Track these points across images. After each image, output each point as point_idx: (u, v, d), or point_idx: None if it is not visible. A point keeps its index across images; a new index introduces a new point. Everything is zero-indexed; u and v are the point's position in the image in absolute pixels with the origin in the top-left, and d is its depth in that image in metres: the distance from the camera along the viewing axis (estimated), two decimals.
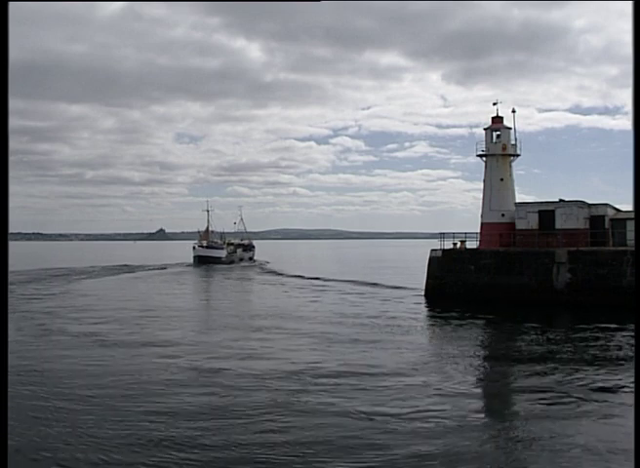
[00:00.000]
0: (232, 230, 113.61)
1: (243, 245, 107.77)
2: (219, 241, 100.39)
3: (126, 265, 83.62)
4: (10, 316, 30.71)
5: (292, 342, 24.13)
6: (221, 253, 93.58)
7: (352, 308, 35.25)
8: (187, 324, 29.63)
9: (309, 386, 16.55)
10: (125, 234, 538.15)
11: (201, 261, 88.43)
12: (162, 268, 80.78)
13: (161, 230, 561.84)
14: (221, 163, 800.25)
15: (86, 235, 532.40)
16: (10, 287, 49.62)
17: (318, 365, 19.33)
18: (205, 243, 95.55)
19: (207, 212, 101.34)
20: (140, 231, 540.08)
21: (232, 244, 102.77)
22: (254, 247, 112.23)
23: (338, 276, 62.03)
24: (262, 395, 15.66)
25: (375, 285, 51.13)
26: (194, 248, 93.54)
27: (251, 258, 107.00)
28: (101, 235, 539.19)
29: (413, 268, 66.75)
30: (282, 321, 30.30)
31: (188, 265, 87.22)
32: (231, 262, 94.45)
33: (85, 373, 18.26)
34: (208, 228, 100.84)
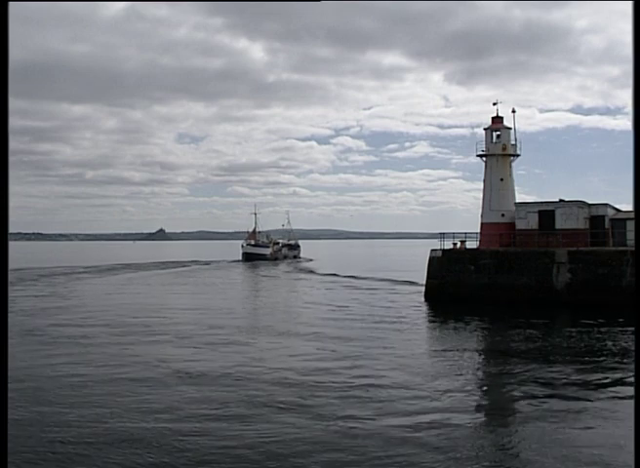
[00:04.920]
0: (281, 230, 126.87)
1: (289, 244, 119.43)
2: (265, 240, 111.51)
3: (177, 261, 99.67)
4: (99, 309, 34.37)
5: (297, 342, 24.20)
6: (266, 251, 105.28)
7: (361, 306, 35.45)
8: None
9: (309, 387, 16.57)
10: (125, 234, 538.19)
11: (248, 258, 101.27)
12: (208, 263, 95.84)
13: (161, 230, 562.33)
14: (221, 163, 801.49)
15: (86, 235, 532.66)
16: (85, 275, 62.13)
17: (316, 362, 19.38)
18: (253, 242, 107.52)
19: (254, 214, 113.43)
20: (140, 231, 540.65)
21: (278, 243, 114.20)
22: (299, 246, 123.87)
23: (370, 274, 63.51)
24: (250, 394, 15.68)
25: (413, 283, 50.37)
26: (242, 246, 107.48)
27: (295, 256, 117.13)
28: (102, 235, 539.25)
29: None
30: (295, 318, 30.43)
31: (237, 261, 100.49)
32: (275, 259, 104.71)
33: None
34: (255, 229, 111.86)
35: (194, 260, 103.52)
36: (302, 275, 69.66)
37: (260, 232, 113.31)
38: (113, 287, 52.07)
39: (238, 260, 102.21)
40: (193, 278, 64.60)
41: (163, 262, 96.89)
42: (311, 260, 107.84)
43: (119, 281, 59.33)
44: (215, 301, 40.38)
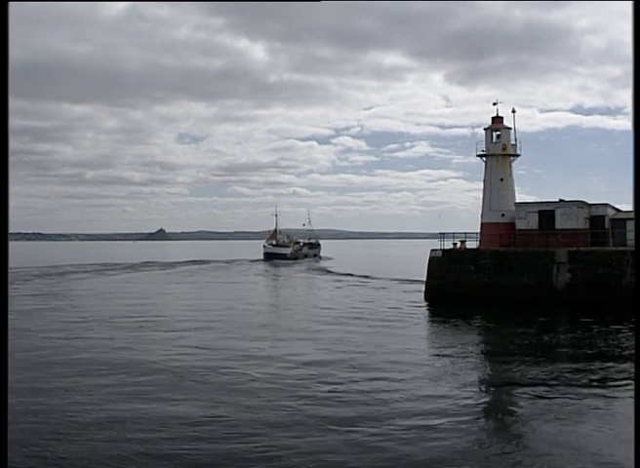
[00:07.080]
0: (302, 229, 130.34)
1: (310, 243, 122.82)
2: (286, 240, 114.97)
3: (196, 260, 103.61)
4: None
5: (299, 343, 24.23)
6: (286, 251, 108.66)
7: (365, 304, 35.68)
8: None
9: (309, 387, 16.60)
10: (125, 234, 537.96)
11: (269, 258, 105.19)
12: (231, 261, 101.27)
13: (161, 230, 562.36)
14: (222, 163, 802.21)
15: (86, 235, 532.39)
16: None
17: (316, 361, 19.39)
18: (274, 242, 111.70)
19: (275, 216, 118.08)
20: (140, 231, 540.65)
21: (298, 242, 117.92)
22: (319, 245, 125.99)
23: (388, 275, 62.88)
24: (252, 398, 15.71)
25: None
26: (264, 246, 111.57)
27: (315, 255, 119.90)
28: (102, 235, 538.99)
29: None
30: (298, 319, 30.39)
31: (258, 260, 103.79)
32: (295, 258, 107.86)
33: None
34: (276, 229, 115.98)
35: (213, 260, 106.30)
36: (318, 275, 69.75)
37: (280, 232, 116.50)
38: (137, 283, 52.79)
39: (260, 259, 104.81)
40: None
41: (179, 262, 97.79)
42: (331, 259, 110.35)
43: (136, 278, 60.15)
44: (238, 299, 40.52)
